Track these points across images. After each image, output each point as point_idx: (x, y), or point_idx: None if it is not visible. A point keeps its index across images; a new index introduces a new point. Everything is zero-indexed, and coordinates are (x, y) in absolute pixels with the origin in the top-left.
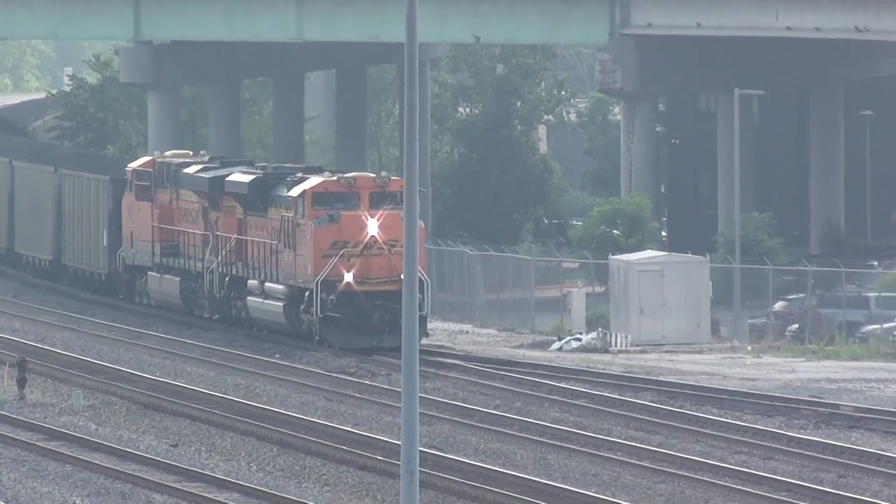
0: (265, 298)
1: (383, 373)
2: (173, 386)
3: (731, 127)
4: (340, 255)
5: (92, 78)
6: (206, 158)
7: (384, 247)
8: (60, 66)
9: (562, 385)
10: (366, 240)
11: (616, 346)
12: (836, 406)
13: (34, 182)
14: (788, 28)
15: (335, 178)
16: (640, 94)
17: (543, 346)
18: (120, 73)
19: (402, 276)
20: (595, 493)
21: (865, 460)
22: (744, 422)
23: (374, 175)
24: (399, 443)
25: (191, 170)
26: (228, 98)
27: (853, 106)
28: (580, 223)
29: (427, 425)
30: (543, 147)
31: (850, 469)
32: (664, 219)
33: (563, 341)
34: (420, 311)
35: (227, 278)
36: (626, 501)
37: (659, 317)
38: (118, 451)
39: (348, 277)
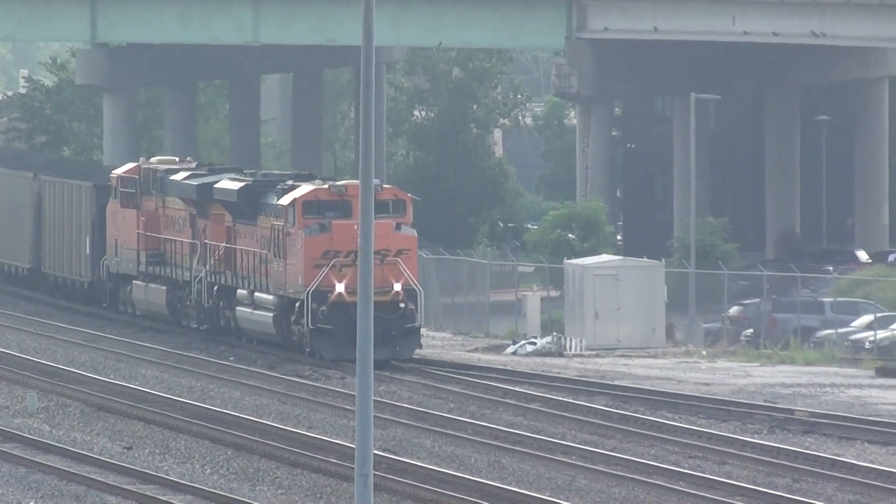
0: (255, 309)
1: (337, 376)
2: (128, 388)
3: (686, 131)
4: (332, 265)
5: (48, 80)
6: (194, 165)
7: (376, 256)
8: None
9: (516, 389)
10: (357, 249)
11: (571, 350)
12: (791, 411)
13: (12, 188)
14: (745, 33)
15: (326, 186)
16: (596, 98)
17: (498, 349)
18: (76, 76)
19: (395, 287)
20: (549, 496)
21: (819, 465)
22: (698, 426)
23: None
24: (353, 446)
25: (178, 177)
26: (184, 100)
27: (809, 111)
28: (535, 227)
29: (381, 428)
30: (499, 151)
31: (805, 474)
32: (619, 223)
33: (517, 345)
34: (412, 322)
35: (215, 288)
36: None
37: (614, 321)
38: (72, 454)
39: (340, 288)
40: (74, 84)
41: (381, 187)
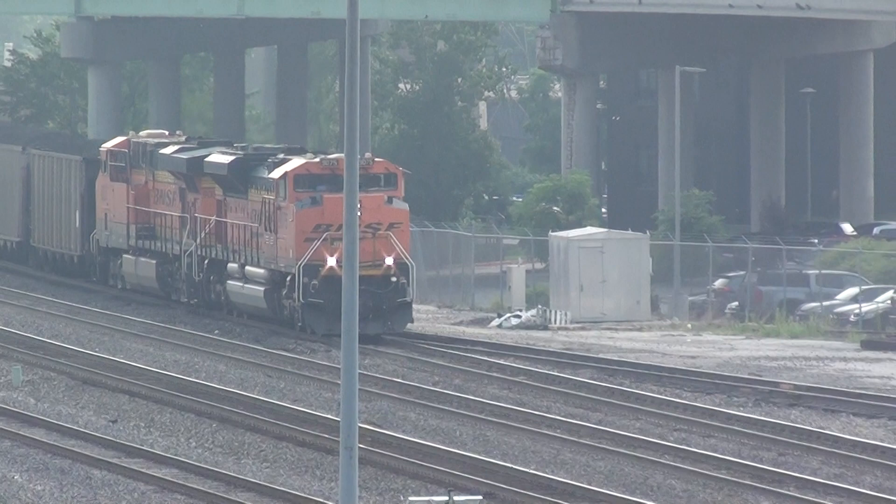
0: (245, 283)
1: (323, 349)
2: (113, 362)
3: (671, 104)
4: (323, 239)
5: (33, 53)
6: (183, 139)
7: (368, 230)
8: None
9: (501, 362)
10: None
11: (556, 323)
12: (776, 384)
13: (1, 162)
14: (730, 5)
15: (317, 159)
16: (581, 70)
17: (483, 322)
18: (61, 49)
19: (387, 261)
20: (534, 470)
21: (805, 438)
22: (683, 399)
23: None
24: (338, 419)
25: (168, 150)
26: (169, 73)
27: (794, 83)
28: (520, 200)
29: (366, 402)
30: (484, 124)
31: (790, 447)
32: (604, 196)
33: (502, 318)
34: (404, 296)
35: (205, 262)
36: (565, 478)
37: (599, 294)
38: (57, 427)
39: (331, 262)
40: (59, 57)
41: (373, 160)
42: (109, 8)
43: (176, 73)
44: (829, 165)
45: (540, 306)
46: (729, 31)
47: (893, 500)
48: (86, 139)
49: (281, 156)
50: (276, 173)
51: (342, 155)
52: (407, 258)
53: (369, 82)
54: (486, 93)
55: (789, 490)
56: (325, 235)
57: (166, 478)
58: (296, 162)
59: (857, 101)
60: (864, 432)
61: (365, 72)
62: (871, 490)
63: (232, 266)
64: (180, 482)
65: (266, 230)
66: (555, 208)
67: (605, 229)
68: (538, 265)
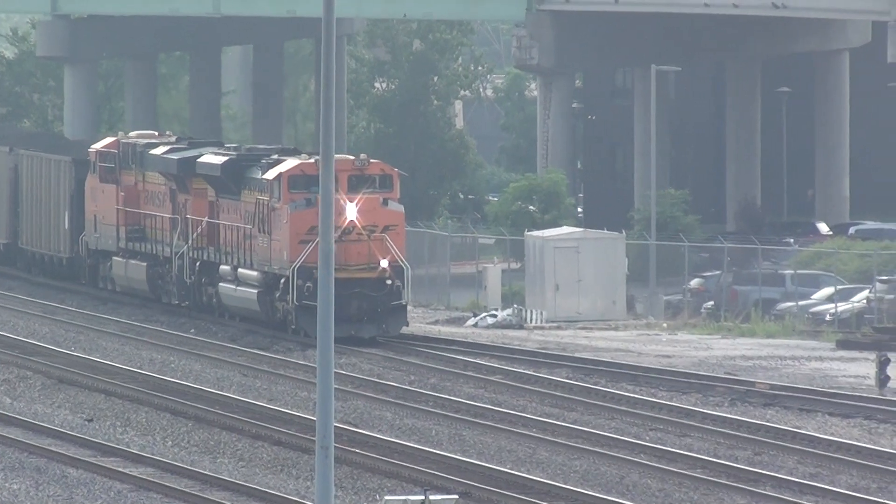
0: (238, 285)
1: (298, 349)
2: (89, 361)
3: (647, 103)
4: (318, 241)
5: (9, 52)
6: (174, 139)
7: (363, 232)
8: None
9: (477, 361)
10: (344, 225)
11: (531, 322)
12: (752, 383)
13: None
14: (706, 4)
15: (312, 160)
16: (557, 69)
17: (459, 322)
18: (37, 47)
19: (381, 264)
20: (510, 469)
21: (780, 437)
22: (659, 399)
23: (352, 157)
24: (314, 418)
25: (158, 151)
26: (145, 72)
27: (769, 83)
28: (496, 199)
29: (342, 401)
30: (460, 123)
31: (765, 446)
32: (580, 195)
33: (478, 317)
34: (399, 299)
35: (197, 264)
36: (541, 478)
37: (574, 293)
38: (33, 426)
39: None
40: (35, 56)
41: (368, 161)
42: (85, 7)
43: (152, 71)
44: (804, 165)
45: (516, 305)
46: (705, 30)
47: (869, 500)
48: (74, 140)
49: (275, 156)
50: (271, 174)
51: (339, 156)
52: (402, 261)
53: (345, 81)
54: (462, 92)
55: (765, 489)
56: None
57: (142, 477)
58: (290, 163)
59: (833, 100)
60: (840, 432)
61: (341, 71)
62: (846, 489)
63: (224, 268)
64: (156, 481)
65: (260, 232)
66: (530, 207)
67: (581, 229)
68: (514, 264)
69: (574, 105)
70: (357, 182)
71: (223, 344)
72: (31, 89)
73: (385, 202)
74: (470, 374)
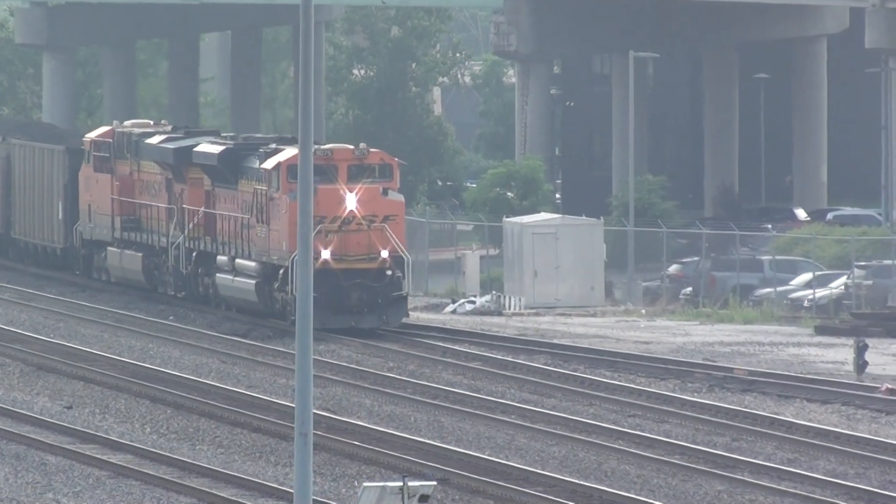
0: (235, 276)
1: (277, 335)
2: (68, 348)
3: (625, 89)
4: (317, 231)
5: None
6: (169, 128)
7: (363, 222)
8: None
9: (456, 348)
10: (344, 215)
11: (510, 308)
12: (730, 369)
13: None
14: None
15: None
16: (535, 56)
17: (437, 308)
18: (15, 34)
19: (382, 254)
20: (489, 455)
21: (758, 423)
22: (637, 385)
23: (352, 147)
24: (293, 405)
25: (154, 140)
26: (123, 59)
27: (747, 69)
28: (474, 185)
29: (321, 388)
30: (438, 109)
31: (743, 432)
32: (558, 181)
33: (456, 304)
34: (399, 290)
35: (193, 254)
36: (519, 464)
37: (553, 279)
38: (12, 413)
39: (325, 254)
40: (13, 43)
41: (368, 151)
42: None
43: (130, 58)
44: (782, 151)
45: (494, 292)
46: (683, 16)
47: (847, 485)
48: (68, 129)
49: (273, 146)
50: (269, 163)
51: (338, 145)
52: (403, 251)
53: (323, 68)
54: (441, 78)
55: (743, 475)
56: (319, 227)
57: (121, 464)
58: (289, 152)
59: (811, 86)
60: (818, 417)
61: (319, 57)
62: (824, 475)
63: (221, 259)
64: (135, 468)
65: (258, 222)
66: (509, 194)
67: (559, 215)
68: (492, 251)
69: (552, 91)
70: (357, 172)
71: (202, 331)
72: (10, 77)
73: (385, 192)
74: (448, 360)
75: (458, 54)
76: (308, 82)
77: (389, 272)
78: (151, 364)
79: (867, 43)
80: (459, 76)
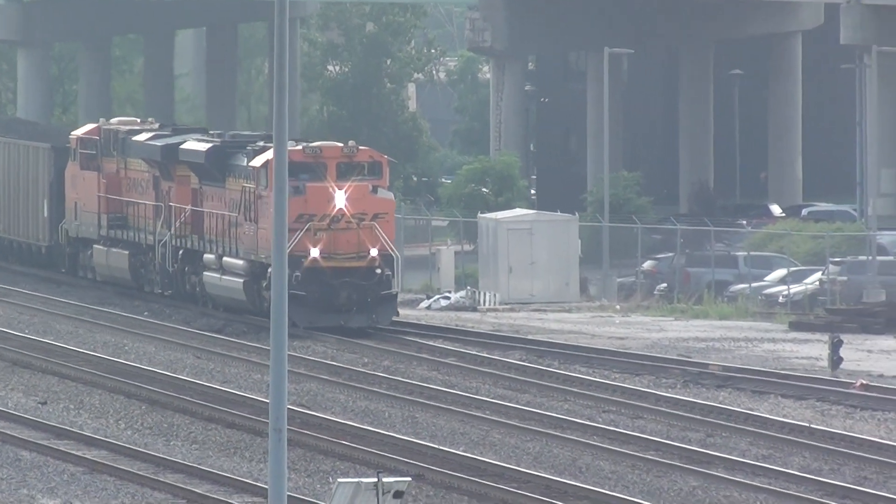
0: (223, 274)
1: (252, 331)
2: (42, 343)
3: (600, 85)
4: (306, 229)
5: None
6: (156, 126)
7: (352, 220)
8: None
9: (430, 343)
10: (333, 213)
11: (485, 304)
12: (705, 365)
13: None
14: None
15: (300, 147)
16: (510, 52)
17: (412, 304)
18: None
19: (371, 252)
20: (463, 451)
21: (733, 419)
22: (612, 381)
23: (341, 145)
24: (267, 401)
25: (141, 137)
26: (99, 55)
27: (722, 65)
28: (449, 181)
29: (295, 383)
30: (413, 105)
31: (718, 428)
32: (533, 177)
33: (431, 300)
34: (389, 288)
35: (180, 252)
36: (494, 460)
37: (528, 275)
38: None
39: (314, 253)
40: None
41: (357, 149)
42: None
43: (106, 54)
44: (757, 147)
45: (469, 288)
46: (658, 12)
47: (821, 481)
48: (53, 126)
49: (261, 143)
50: (257, 161)
51: (327, 143)
52: (392, 249)
53: (298, 64)
54: (416, 74)
55: (718, 471)
56: (308, 226)
57: (96, 459)
58: None
59: (786, 82)
60: (793, 413)
61: (294, 53)
62: (799, 471)
63: (209, 257)
64: (109, 464)
65: (246, 220)
66: (483, 190)
67: (534, 211)
68: (467, 247)
69: (527, 88)
70: (346, 170)
71: (177, 327)
72: None
73: (374, 190)
74: (423, 356)
75: (433, 50)
76: (283, 78)
77: (379, 271)
78: (126, 360)
79: (842, 39)
80: (434, 72)
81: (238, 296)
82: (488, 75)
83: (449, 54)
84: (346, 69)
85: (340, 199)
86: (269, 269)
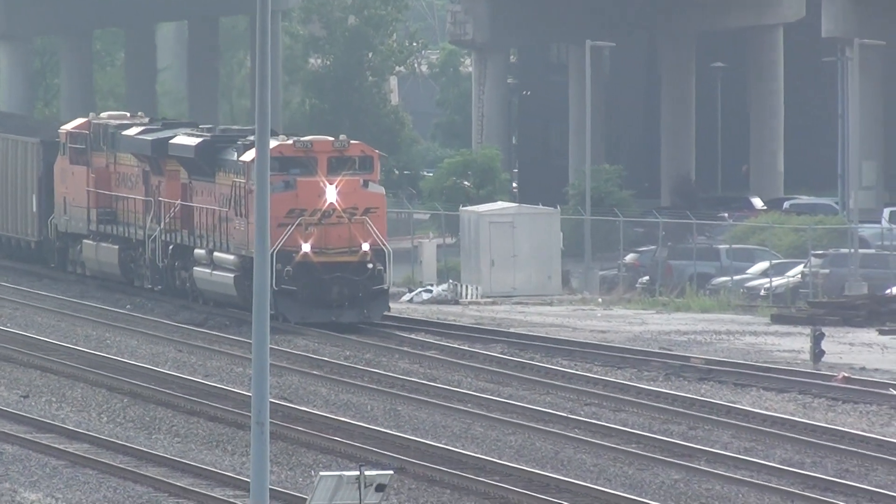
0: (214, 269)
1: (233, 324)
2: (24, 337)
3: (582, 78)
4: (297, 224)
5: None
6: (146, 120)
7: (343, 215)
8: None
9: (412, 336)
10: (324, 207)
11: (467, 297)
12: (687, 358)
13: None
14: None
15: (291, 141)
16: (492, 45)
17: (394, 297)
18: None
19: (363, 247)
20: (445, 444)
21: (715, 412)
22: (594, 374)
23: (332, 139)
24: (249, 394)
25: (131, 132)
26: (80, 49)
27: (704, 58)
28: (431, 174)
29: (277, 376)
30: (395, 98)
31: (700, 421)
32: (515, 170)
33: (413, 293)
34: (381, 284)
35: (170, 247)
36: (476, 453)
37: (510, 268)
38: None
39: (306, 248)
40: None
41: (348, 143)
42: None
43: (87, 48)
44: (739, 140)
45: (451, 281)
46: (639, 5)
47: (803, 474)
48: (43, 121)
49: (251, 138)
50: (248, 156)
51: (317, 137)
52: (384, 244)
53: (280, 57)
54: (397, 67)
55: (700, 464)
56: (299, 220)
57: (78, 453)
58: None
59: (768, 75)
60: (775, 406)
61: (275, 47)
62: (780, 464)
63: (199, 252)
64: (92, 457)
65: (236, 215)
66: (465, 183)
67: (516, 204)
68: (449, 240)
69: (509, 81)
70: (336, 164)
71: (159, 320)
72: None
73: (365, 184)
74: (405, 349)
75: (414, 43)
76: (264, 72)
77: (370, 265)
78: (108, 353)
79: (824, 32)
80: (416, 65)
81: (229, 291)
82: (470, 68)
83: (431, 47)
84: (328, 62)
85: (331, 194)
86: None
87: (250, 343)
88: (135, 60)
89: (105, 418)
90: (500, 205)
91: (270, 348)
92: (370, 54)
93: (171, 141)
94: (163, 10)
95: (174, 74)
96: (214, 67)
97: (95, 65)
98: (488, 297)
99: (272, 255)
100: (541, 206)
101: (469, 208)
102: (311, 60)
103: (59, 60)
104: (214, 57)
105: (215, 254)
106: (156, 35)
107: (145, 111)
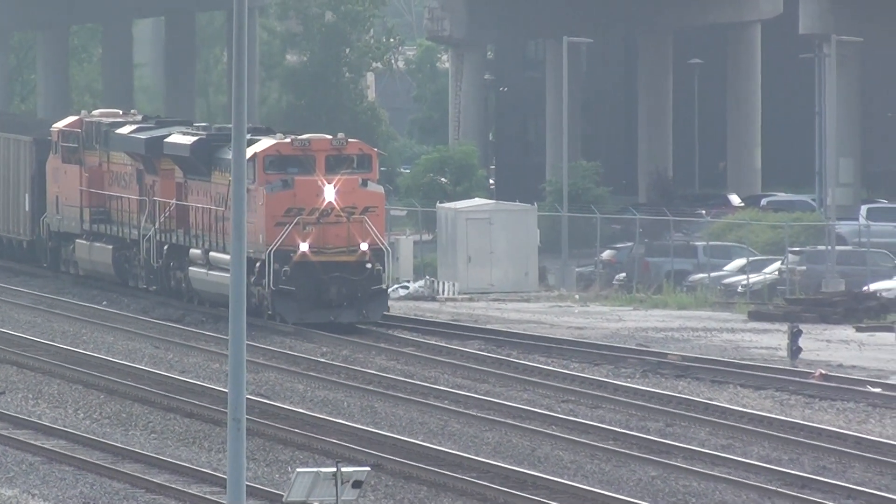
0: (210, 269)
1: (211, 320)
2: (0, 333)
3: (559, 75)
4: (295, 224)
5: None
6: (140, 118)
7: (342, 214)
8: None
9: (389, 333)
10: (322, 206)
11: (444, 294)
12: (664, 355)
13: None
14: None
15: (288, 140)
16: (469, 41)
17: None
18: None
19: (361, 247)
20: (422, 441)
21: (692, 409)
22: (571, 370)
23: (330, 137)
24: (226, 390)
25: (124, 130)
26: (57, 44)
27: (681, 54)
28: (408, 171)
29: (254, 373)
30: (372, 95)
31: (677, 417)
32: (492, 167)
33: (390, 289)
34: (379, 283)
35: (165, 247)
36: (452, 449)
37: (487, 265)
38: None
39: (304, 247)
40: None
41: (346, 141)
42: None
43: (64, 43)
44: (716, 137)
45: (428, 277)
46: (617, 1)
47: (780, 471)
48: (35, 119)
49: (248, 136)
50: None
51: (315, 135)
52: (383, 244)
53: (257, 53)
54: (374, 63)
55: (677, 461)
56: (297, 220)
57: (54, 449)
58: (265, 143)
59: (745, 72)
60: (752, 403)
61: (252, 43)
62: (758, 461)
63: (195, 252)
64: (68, 453)
65: None
66: (442, 179)
67: (493, 200)
68: (426, 236)
69: (486, 77)
70: (335, 163)
71: (135, 316)
72: None
73: (364, 183)
74: (382, 345)
75: (391, 39)
76: (241, 68)
77: (369, 265)
78: (84, 349)
79: (801, 28)
80: (393, 61)
81: (225, 291)
82: (447, 64)
83: (408, 43)
84: (305, 58)
85: (330, 193)
86: (258, 265)
87: (227, 339)
88: (112, 56)
89: (81, 414)
90: (477, 201)
91: (247, 345)
92: (347, 50)
93: (165, 140)
94: (140, 6)
95: (151, 70)
96: (191, 63)
97: (72, 60)
98: (465, 293)
99: (270, 254)
100: (518, 203)
101: (446, 205)
102: (288, 56)
103: (36, 56)
104: (191, 53)
105: (212, 254)
106: (133, 31)
107: (122, 107)
